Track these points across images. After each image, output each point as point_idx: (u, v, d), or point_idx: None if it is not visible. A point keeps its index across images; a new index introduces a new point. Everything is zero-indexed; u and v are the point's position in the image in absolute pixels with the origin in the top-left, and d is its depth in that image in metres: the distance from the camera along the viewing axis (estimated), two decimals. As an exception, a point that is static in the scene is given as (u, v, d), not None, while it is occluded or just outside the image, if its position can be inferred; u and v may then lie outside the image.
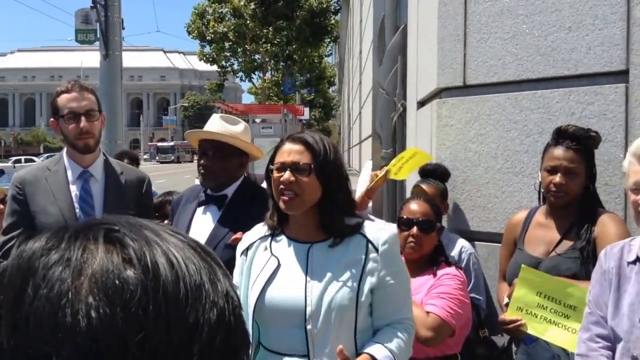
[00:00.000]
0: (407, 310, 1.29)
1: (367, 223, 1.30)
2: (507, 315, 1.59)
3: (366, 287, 1.22)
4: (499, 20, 2.16)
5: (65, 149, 1.86)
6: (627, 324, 1.17)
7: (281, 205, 1.25)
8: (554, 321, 1.52)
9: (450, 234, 2.15)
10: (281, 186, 1.24)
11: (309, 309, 1.21)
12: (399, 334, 1.24)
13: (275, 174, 1.26)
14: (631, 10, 1.84)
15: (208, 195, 1.81)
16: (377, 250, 1.25)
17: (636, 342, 1.15)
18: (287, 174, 1.24)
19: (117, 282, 0.33)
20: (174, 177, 21.14)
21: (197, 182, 1.98)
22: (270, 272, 1.28)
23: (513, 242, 1.78)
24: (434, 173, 2.23)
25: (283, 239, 1.31)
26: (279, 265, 1.28)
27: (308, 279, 1.24)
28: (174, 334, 0.33)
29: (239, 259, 1.36)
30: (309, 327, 1.21)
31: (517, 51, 2.11)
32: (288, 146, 1.27)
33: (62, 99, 1.76)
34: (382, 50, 3.79)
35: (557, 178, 1.61)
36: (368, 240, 1.25)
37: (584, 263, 1.55)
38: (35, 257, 0.35)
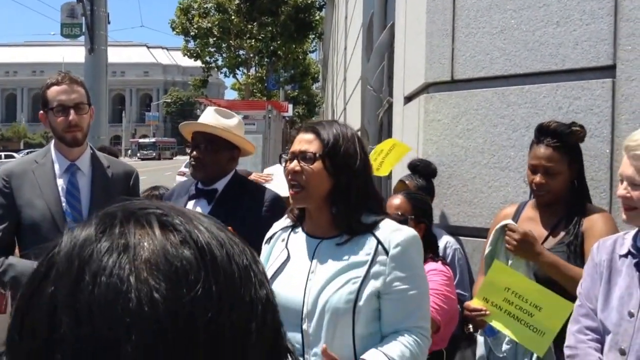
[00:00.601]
0: (419, 318, 1.17)
1: (384, 223, 1.19)
2: (472, 304, 1.57)
3: (367, 291, 1.13)
4: (487, 15, 2.15)
5: (53, 142, 1.83)
6: (616, 317, 1.17)
7: (290, 196, 1.22)
8: (517, 317, 1.50)
9: (436, 229, 2.14)
10: (289, 176, 1.20)
11: (305, 309, 1.17)
12: (405, 341, 1.13)
13: (287, 164, 1.23)
14: (618, 5, 1.85)
15: (198, 189, 1.80)
16: (387, 252, 1.15)
17: (624, 335, 1.15)
18: (293, 164, 1.20)
19: (177, 264, 0.33)
20: (155, 174, 20.89)
21: (178, 178, 1.96)
22: (279, 265, 1.25)
23: None
24: (416, 168, 2.21)
25: (300, 232, 1.28)
26: (287, 259, 1.25)
27: (310, 276, 1.19)
28: (236, 313, 0.34)
29: (263, 247, 1.34)
30: (304, 326, 1.17)
31: (505, 46, 2.10)
32: (300, 135, 1.23)
33: (52, 91, 1.74)
34: (370, 47, 3.78)
35: (537, 178, 1.60)
36: (379, 241, 1.16)
37: (571, 258, 1.55)
38: (88, 244, 0.34)
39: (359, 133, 1.23)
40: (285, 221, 1.33)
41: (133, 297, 0.32)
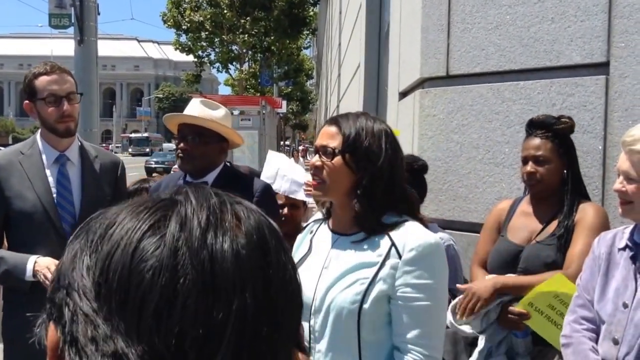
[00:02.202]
0: (428, 335, 1.07)
1: (406, 225, 1.13)
2: (517, 308, 1.56)
3: (374, 294, 1.08)
4: (482, 11, 2.15)
5: (39, 132, 1.79)
6: (611, 308, 1.19)
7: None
8: (556, 323, 1.51)
9: (429, 224, 2.15)
10: (311, 171, 1.20)
11: (314, 304, 1.15)
12: None
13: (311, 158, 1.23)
14: (613, 2, 1.86)
15: (188, 182, 1.78)
16: (400, 256, 1.09)
17: (618, 325, 1.17)
18: (314, 158, 1.18)
19: (267, 242, 0.39)
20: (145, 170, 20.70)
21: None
22: (300, 256, 1.24)
23: (495, 228, 1.78)
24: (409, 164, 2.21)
25: (326, 226, 1.26)
26: (309, 252, 1.24)
27: (323, 272, 1.17)
28: (292, 288, 0.40)
29: (297, 238, 1.34)
30: (312, 322, 1.15)
31: (500, 42, 2.11)
32: (324, 129, 1.21)
33: (42, 80, 1.70)
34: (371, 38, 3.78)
35: (528, 167, 1.63)
36: (393, 243, 1.10)
37: (560, 250, 1.57)
38: (204, 224, 0.37)
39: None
40: (319, 214, 1.32)
41: (246, 265, 0.37)
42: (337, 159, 1.15)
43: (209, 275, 0.35)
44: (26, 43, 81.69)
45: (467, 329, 1.64)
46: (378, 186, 1.13)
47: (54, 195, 1.71)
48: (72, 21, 6.71)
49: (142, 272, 0.34)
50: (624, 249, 1.22)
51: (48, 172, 1.73)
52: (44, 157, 1.74)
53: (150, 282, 0.34)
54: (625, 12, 1.83)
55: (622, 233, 1.26)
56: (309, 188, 1.91)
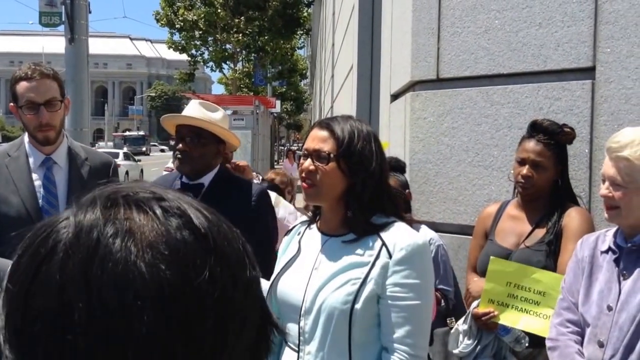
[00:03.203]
0: (414, 333, 1.09)
1: (395, 225, 1.15)
2: (480, 309, 1.62)
3: (365, 294, 1.09)
4: (471, 15, 2.18)
5: (26, 134, 1.76)
6: (596, 310, 1.21)
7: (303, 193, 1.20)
8: (525, 309, 1.55)
9: (418, 225, 2.17)
10: (302, 174, 1.18)
11: (304, 305, 1.16)
12: None
13: (302, 161, 1.21)
14: (598, 8, 1.89)
15: (184, 183, 1.77)
16: (390, 256, 1.10)
17: (602, 328, 1.19)
18: (307, 162, 1.17)
19: (182, 247, 0.35)
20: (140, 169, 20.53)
21: (165, 175, 1.92)
22: (289, 258, 1.24)
23: (483, 235, 1.82)
24: (394, 166, 2.25)
25: (314, 227, 1.26)
26: (297, 254, 1.24)
27: (313, 273, 1.18)
28: (237, 292, 0.36)
29: (283, 239, 1.34)
30: (301, 323, 1.15)
31: (489, 46, 2.14)
32: (314, 132, 1.20)
33: (21, 87, 1.66)
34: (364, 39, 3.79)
35: (524, 170, 1.65)
36: (384, 244, 1.12)
37: (550, 257, 1.60)
38: (94, 228, 0.35)
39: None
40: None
41: (141, 281, 0.33)
42: (332, 164, 1.15)
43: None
44: (17, 40, 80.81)
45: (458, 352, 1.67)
46: (369, 189, 1.15)
47: (40, 200, 1.67)
48: (63, 19, 6.65)
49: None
50: (606, 251, 1.24)
51: (34, 175, 1.69)
52: (30, 160, 1.70)
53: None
54: (610, 18, 1.87)
55: (604, 236, 1.28)
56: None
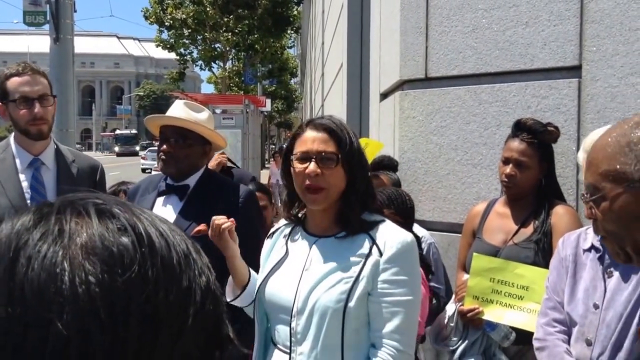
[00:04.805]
0: (398, 331, 1.09)
1: (383, 224, 1.16)
2: (465, 306, 1.63)
3: (358, 292, 1.10)
4: (459, 14, 2.18)
5: (12, 135, 1.76)
6: (582, 309, 1.22)
7: (308, 199, 1.16)
8: (509, 304, 1.57)
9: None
10: (307, 180, 1.14)
11: (295, 306, 1.15)
12: None
13: (298, 165, 1.16)
14: (584, 7, 1.91)
15: (169, 185, 1.75)
16: (381, 254, 1.11)
17: (590, 326, 1.20)
18: (312, 165, 1.14)
19: (114, 249, 0.34)
20: (129, 169, 20.38)
21: (155, 174, 1.90)
22: (277, 260, 1.23)
23: (472, 234, 1.83)
24: (382, 164, 2.26)
25: (301, 228, 1.26)
26: (285, 256, 1.23)
27: (304, 274, 1.17)
28: (172, 297, 0.35)
29: (265, 242, 1.32)
30: (293, 324, 1.15)
31: (476, 45, 2.15)
32: (311, 133, 1.17)
33: (13, 82, 1.66)
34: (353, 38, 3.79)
35: (508, 169, 1.66)
36: (374, 242, 1.13)
37: (539, 255, 1.61)
38: (24, 231, 0.35)
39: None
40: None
41: (66, 278, 0.33)
42: (339, 166, 1.15)
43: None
44: (1, 40, 79.52)
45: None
46: (363, 185, 1.17)
47: (28, 201, 1.67)
48: (48, 18, 6.56)
49: None
50: (589, 250, 1.25)
51: (22, 176, 1.69)
52: (17, 161, 1.70)
53: None
54: (596, 17, 1.88)
55: (585, 234, 1.29)
56: None
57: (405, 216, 1.77)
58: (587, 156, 0.87)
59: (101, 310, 0.33)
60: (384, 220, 1.17)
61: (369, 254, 1.12)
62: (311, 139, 1.17)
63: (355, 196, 1.16)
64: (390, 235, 1.13)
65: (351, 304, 1.09)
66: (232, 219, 1.32)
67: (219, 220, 1.29)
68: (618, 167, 0.79)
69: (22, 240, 0.34)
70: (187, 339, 0.35)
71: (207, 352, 0.37)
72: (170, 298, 0.35)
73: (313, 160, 1.14)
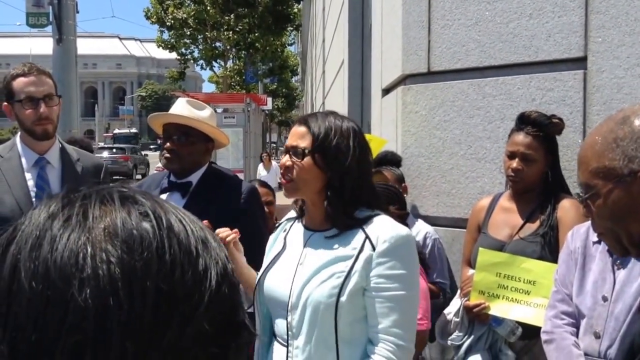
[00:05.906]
0: (400, 323, 1.09)
1: (378, 218, 1.16)
2: (471, 301, 1.61)
3: (350, 287, 1.10)
4: (462, 7, 2.16)
5: (18, 135, 1.78)
6: (591, 301, 1.21)
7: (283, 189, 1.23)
8: (516, 299, 1.55)
9: (414, 219, 2.17)
10: (281, 170, 1.22)
11: (290, 300, 1.16)
12: (372, 356, 1.08)
13: (281, 157, 1.26)
14: (589, -3, 1.88)
15: (171, 182, 1.76)
16: (374, 248, 1.11)
17: (598, 319, 1.19)
18: (285, 158, 1.21)
19: (135, 232, 0.36)
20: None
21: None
22: (274, 254, 1.26)
23: (477, 228, 1.81)
24: (390, 160, 2.26)
25: (300, 223, 1.28)
26: (283, 249, 1.25)
27: (298, 268, 1.19)
28: (188, 277, 0.37)
29: (270, 236, 1.35)
30: (289, 318, 1.16)
31: (480, 38, 2.12)
32: (294, 129, 1.23)
33: (19, 82, 1.69)
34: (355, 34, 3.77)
35: (514, 163, 1.64)
36: (367, 237, 1.13)
37: (545, 248, 1.59)
38: (51, 214, 0.37)
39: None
40: (292, 212, 1.34)
41: (88, 258, 0.35)
42: (307, 159, 1.17)
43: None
44: (4, 42, 79.79)
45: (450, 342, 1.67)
46: (348, 184, 1.16)
47: (33, 200, 1.69)
48: (50, 20, 6.58)
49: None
50: (598, 242, 1.24)
51: (28, 175, 1.71)
52: (23, 160, 1.73)
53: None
54: (601, 7, 1.86)
55: None
56: None
57: (405, 209, 1.78)
58: (578, 155, 0.87)
59: (120, 287, 0.34)
60: (379, 215, 1.17)
61: (362, 249, 1.12)
62: (292, 134, 1.22)
63: (333, 192, 1.16)
64: (383, 230, 1.13)
65: (343, 298, 1.09)
66: (235, 230, 1.32)
67: (223, 232, 1.30)
68: (607, 163, 0.79)
69: (48, 223, 0.37)
70: (201, 319, 0.36)
71: (224, 335, 0.38)
72: (185, 278, 0.36)
73: (288, 153, 1.20)
